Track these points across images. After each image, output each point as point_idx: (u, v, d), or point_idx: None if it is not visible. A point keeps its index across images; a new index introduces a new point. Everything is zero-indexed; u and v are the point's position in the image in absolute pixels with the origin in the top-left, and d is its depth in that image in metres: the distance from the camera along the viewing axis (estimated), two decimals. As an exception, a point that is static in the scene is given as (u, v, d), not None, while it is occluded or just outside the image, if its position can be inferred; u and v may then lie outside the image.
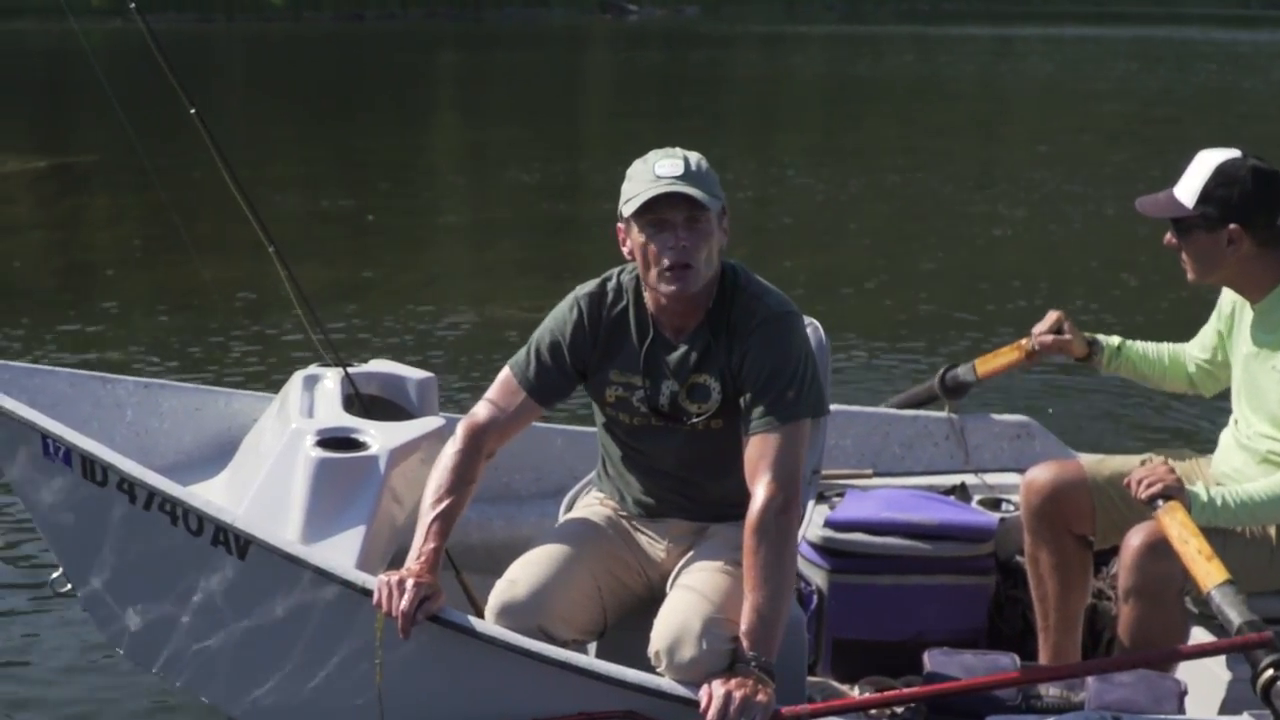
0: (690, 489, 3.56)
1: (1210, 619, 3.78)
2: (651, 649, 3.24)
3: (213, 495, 3.77)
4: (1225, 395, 4.14)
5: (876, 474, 4.81)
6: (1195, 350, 4.23)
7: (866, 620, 4.27)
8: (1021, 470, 4.77)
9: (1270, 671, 3.09)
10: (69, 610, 5.00)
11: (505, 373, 3.57)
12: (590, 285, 3.56)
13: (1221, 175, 3.73)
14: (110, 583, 3.62)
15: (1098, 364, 4.37)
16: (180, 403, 4.34)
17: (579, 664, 3.20)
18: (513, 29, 45.79)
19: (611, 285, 3.55)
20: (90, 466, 3.50)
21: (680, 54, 36.89)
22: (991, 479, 4.78)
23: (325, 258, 11.90)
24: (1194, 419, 7.06)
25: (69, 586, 3.76)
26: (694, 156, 3.37)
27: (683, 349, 3.47)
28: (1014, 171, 17.79)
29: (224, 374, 8.22)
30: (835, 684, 4.17)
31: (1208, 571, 3.30)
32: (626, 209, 3.36)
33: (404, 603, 3.16)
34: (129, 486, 3.46)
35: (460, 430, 3.49)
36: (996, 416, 4.98)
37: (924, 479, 4.78)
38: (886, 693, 3.35)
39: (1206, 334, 4.16)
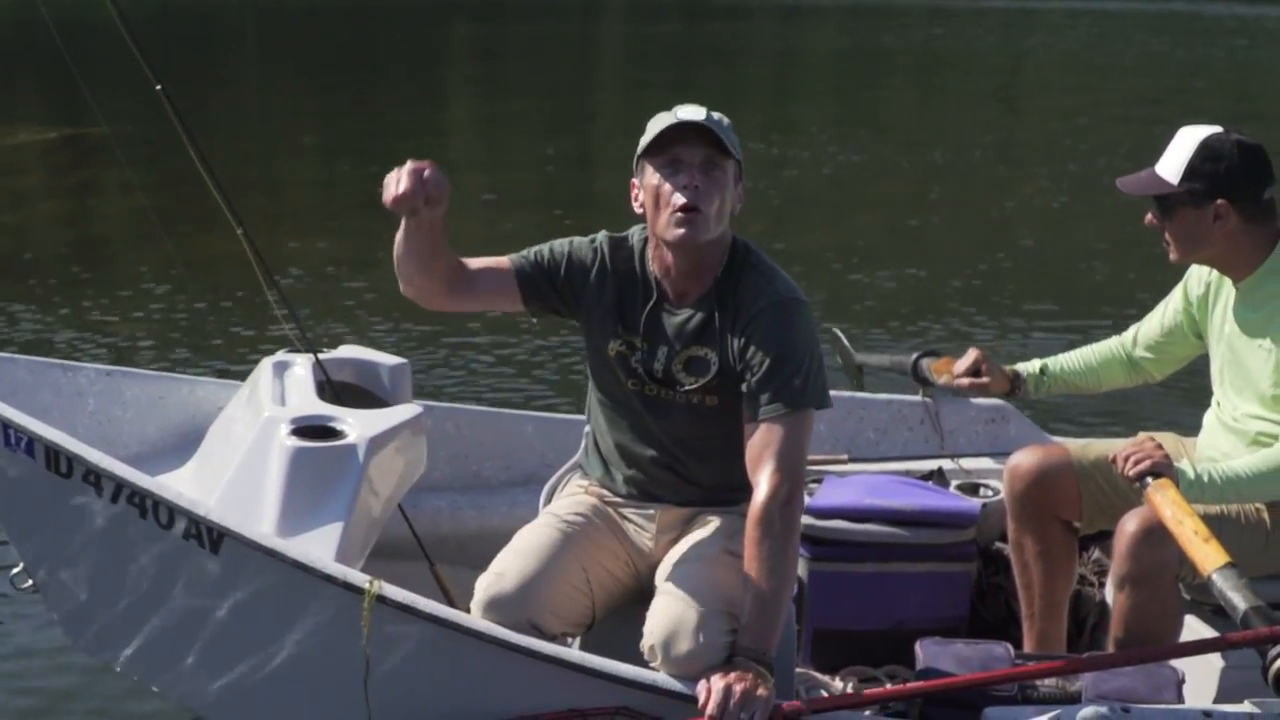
0: (681, 467, 3.47)
1: (1202, 605, 3.75)
2: (645, 643, 3.15)
3: (181, 486, 3.62)
4: (1198, 377, 4.09)
5: (852, 459, 4.74)
6: (1140, 337, 4.16)
7: (847, 609, 4.20)
8: (997, 455, 4.77)
9: None
10: (31, 607, 4.83)
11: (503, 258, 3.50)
12: (608, 233, 3.50)
13: (1206, 150, 3.67)
14: (75, 579, 3.48)
15: (1024, 394, 4.33)
16: (143, 390, 4.21)
17: (571, 659, 3.11)
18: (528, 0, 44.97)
19: (627, 239, 3.48)
20: (54, 457, 3.36)
21: (697, 26, 36.35)
22: (968, 464, 4.72)
23: (331, 231, 11.83)
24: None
25: (30, 583, 3.61)
26: (716, 113, 3.32)
27: (683, 315, 3.39)
28: (1033, 147, 17.67)
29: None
30: (816, 674, 4.09)
31: (1206, 554, 3.22)
32: (642, 147, 3.30)
33: (403, 184, 3.03)
34: (95, 478, 3.33)
35: None
36: (972, 400, 4.91)
37: (900, 464, 4.72)
38: (892, 687, 3.27)
39: (1163, 318, 4.09)
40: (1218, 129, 3.71)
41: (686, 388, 3.36)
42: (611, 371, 3.46)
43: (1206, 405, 3.99)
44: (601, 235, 3.49)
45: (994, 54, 30.13)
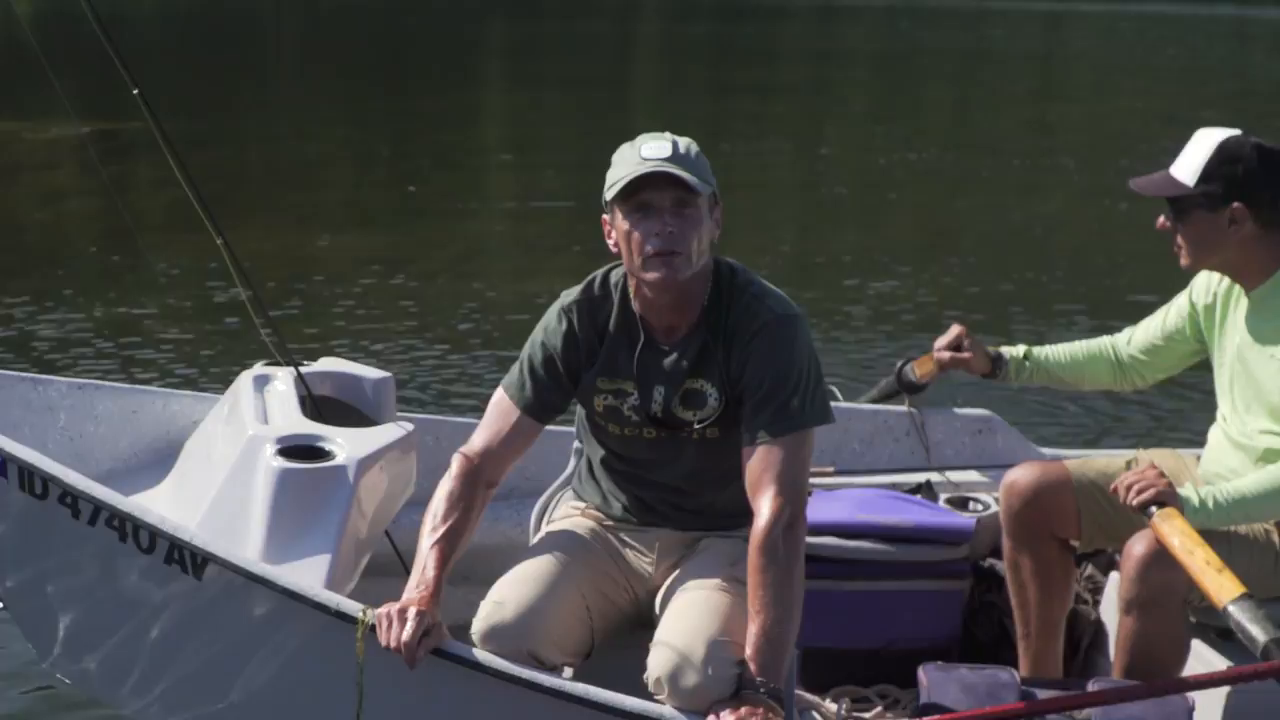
0: (684, 499, 3.38)
1: (1207, 629, 3.68)
2: (650, 675, 3.05)
3: (159, 507, 3.49)
4: (1189, 389, 4.03)
5: (838, 472, 4.65)
6: (1136, 339, 4.09)
7: (838, 628, 4.10)
8: (985, 468, 4.70)
9: None
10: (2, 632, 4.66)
11: (499, 394, 3.36)
12: (574, 292, 3.35)
13: (1224, 152, 3.60)
14: (50, 605, 3.35)
15: (1005, 378, 4.24)
16: (116, 405, 4.07)
17: (575, 693, 3.01)
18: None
19: (596, 288, 3.34)
20: (28, 478, 3.22)
21: (734, 25, 35.97)
22: (955, 476, 4.65)
23: (363, 227, 11.75)
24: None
25: (0, 607, 3.48)
26: (684, 141, 3.19)
27: (675, 352, 3.27)
28: (1072, 150, 17.54)
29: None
30: (806, 694, 3.99)
31: (1221, 584, 3.16)
32: (610, 193, 3.16)
33: (407, 634, 2.95)
34: (72, 500, 3.20)
35: (453, 462, 3.28)
36: (957, 410, 4.84)
37: (887, 477, 4.63)
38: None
39: (1164, 321, 4.02)
40: (1235, 132, 3.64)
41: (691, 427, 3.27)
42: (603, 425, 3.36)
43: (1199, 417, 3.93)
44: (567, 303, 3.34)
45: (1036, 56, 30.00)
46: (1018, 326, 9.05)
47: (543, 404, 3.32)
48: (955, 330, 4.28)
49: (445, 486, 3.24)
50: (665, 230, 3.11)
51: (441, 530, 3.16)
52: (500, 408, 3.34)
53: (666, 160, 3.12)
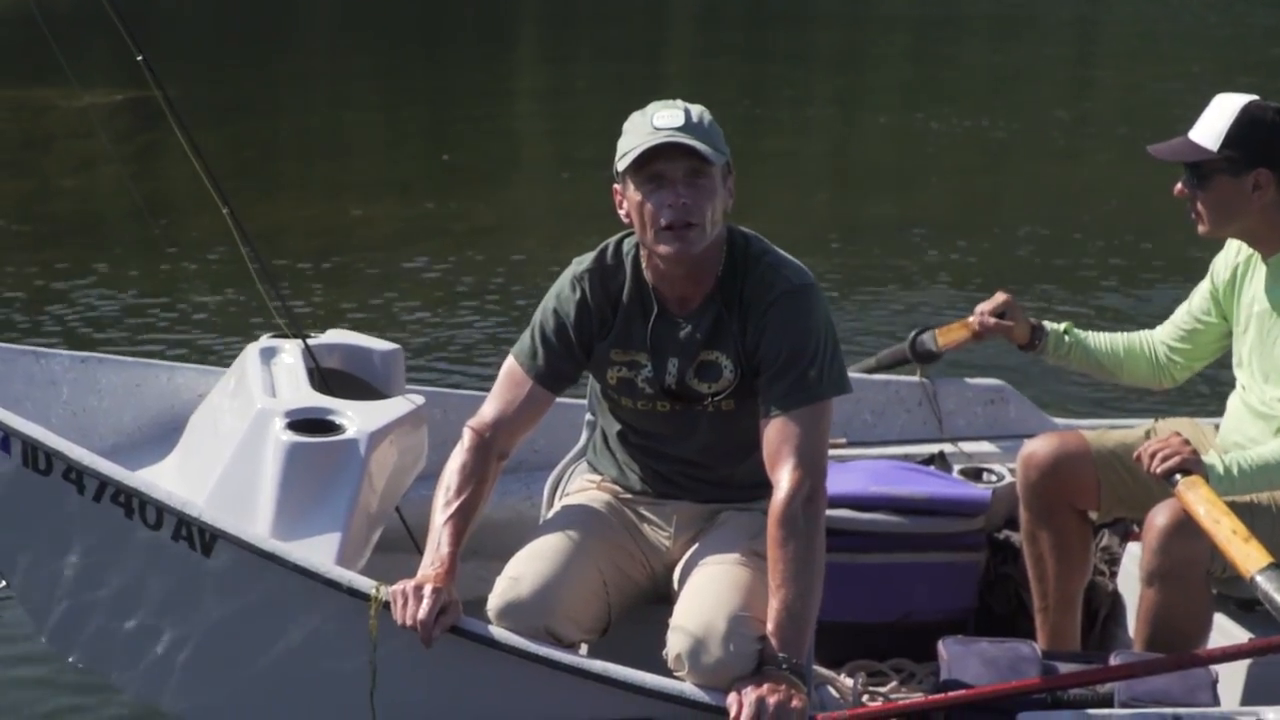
0: (701, 471, 3.32)
1: (1228, 600, 3.64)
2: (670, 651, 3.00)
3: (164, 482, 3.42)
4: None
5: (850, 444, 4.59)
6: (1166, 333, 4.01)
7: (853, 601, 4.05)
8: (998, 438, 4.65)
9: None
10: (5, 613, 4.60)
11: (509, 363, 3.29)
12: (587, 260, 3.28)
13: (1247, 117, 3.54)
14: (55, 583, 3.28)
15: (1043, 351, 4.15)
16: (120, 378, 4.01)
17: (594, 670, 2.96)
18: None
19: (610, 256, 3.27)
20: (32, 453, 3.15)
21: None
22: (968, 447, 4.60)
23: (398, 196, 11.61)
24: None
25: (3, 584, 3.41)
26: (696, 109, 3.11)
27: (689, 324, 3.21)
28: (1110, 118, 17.24)
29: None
30: (821, 669, 3.95)
31: (1248, 554, 3.10)
32: (621, 164, 3.09)
33: (423, 611, 2.89)
34: (77, 475, 3.13)
35: (465, 434, 3.22)
36: (969, 380, 4.79)
37: (899, 448, 4.59)
38: (932, 697, 3.13)
39: (1189, 311, 3.94)
40: (1254, 97, 3.59)
41: (705, 400, 3.21)
42: (617, 398, 3.30)
43: (1216, 386, 3.87)
44: (579, 270, 3.27)
45: (1077, 21, 29.55)
46: (1053, 300, 8.89)
47: (555, 373, 3.25)
48: (1002, 298, 4.15)
49: (457, 459, 3.18)
50: (679, 202, 3.05)
51: (455, 505, 3.09)
52: (512, 377, 3.27)
53: (679, 130, 3.04)
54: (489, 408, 3.26)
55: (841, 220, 11.40)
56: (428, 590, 2.92)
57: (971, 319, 4.27)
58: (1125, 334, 4.10)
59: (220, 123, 13.92)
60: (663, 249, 3.09)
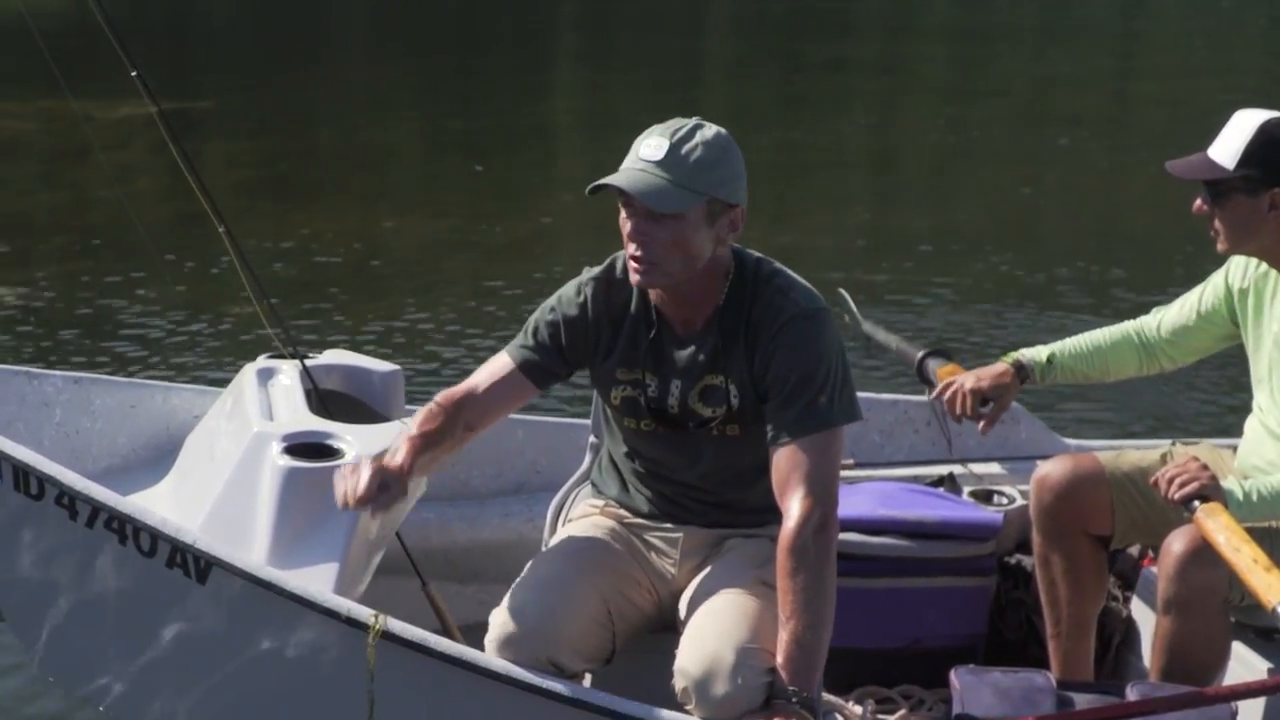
0: (707, 496, 3.25)
1: (1245, 629, 3.56)
2: (678, 684, 2.92)
3: (159, 507, 3.37)
4: (1220, 376, 3.90)
5: (858, 464, 4.52)
6: (1165, 322, 3.94)
7: (861, 626, 3.97)
8: (1008, 459, 4.58)
9: None
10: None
11: (501, 352, 3.26)
12: (597, 268, 3.22)
13: (1265, 135, 3.48)
14: (48, 611, 3.24)
15: (1031, 383, 4.08)
16: (114, 399, 3.95)
17: (598, 703, 2.91)
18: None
19: (618, 270, 3.20)
20: (24, 478, 3.12)
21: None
22: (978, 469, 4.53)
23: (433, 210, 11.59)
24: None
25: None
26: (693, 139, 2.98)
27: (692, 345, 3.14)
28: (1149, 132, 17.17)
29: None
30: (830, 696, 3.87)
31: (1269, 584, 3.03)
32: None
33: (361, 484, 2.92)
34: (70, 501, 3.09)
35: (436, 397, 3.20)
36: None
37: (908, 470, 4.51)
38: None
39: (1198, 304, 3.87)
40: (1276, 114, 3.52)
41: (707, 420, 3.14)
42: (621, 418, 3.24)
43: (1225, 407, 3.80)
44: (586, 278, 3.22)
45: (1119, 32, 29.38)
46: (1084, 315, 8.72)
47: (536, 365, 3.21)
48: (1003, 370, 4.04)
49: (424, 408, 3.18)
50: (640, 238, 2.99)
51: (416, 432, 3.11)
52: (497, 361, 3.25)
53: (655, 164, 2.96)
54: (466, 381, 3.24)
55: (878, 232, 11.31)
56: (367, 463, 2.95)
57: (968, 385, 4.14)
58: (1106, 330, 4.02)
59: (257, 134, 14.05)
60: (631, 277, 3.05)
